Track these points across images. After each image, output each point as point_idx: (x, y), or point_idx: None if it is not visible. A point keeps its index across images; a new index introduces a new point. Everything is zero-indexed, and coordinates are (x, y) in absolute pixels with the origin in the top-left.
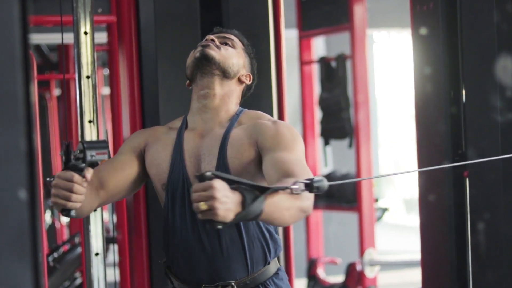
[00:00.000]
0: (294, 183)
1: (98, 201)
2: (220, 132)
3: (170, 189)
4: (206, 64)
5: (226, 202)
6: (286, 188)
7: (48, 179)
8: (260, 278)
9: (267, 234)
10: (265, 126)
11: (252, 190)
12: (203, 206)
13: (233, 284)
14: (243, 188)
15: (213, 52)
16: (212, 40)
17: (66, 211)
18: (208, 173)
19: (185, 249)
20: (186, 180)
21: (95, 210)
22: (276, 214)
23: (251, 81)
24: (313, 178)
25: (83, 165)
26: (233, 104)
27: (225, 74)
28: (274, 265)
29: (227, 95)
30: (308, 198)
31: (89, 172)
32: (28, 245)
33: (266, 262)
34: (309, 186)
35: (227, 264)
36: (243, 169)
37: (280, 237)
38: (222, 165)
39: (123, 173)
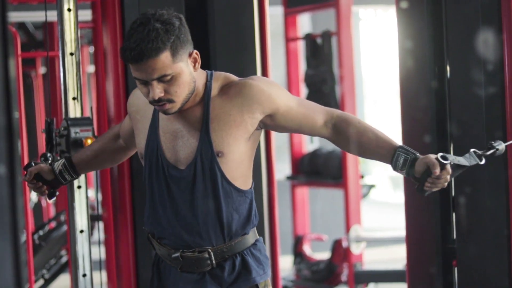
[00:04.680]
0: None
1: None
2: (199, 106)
3: (147, 160)
4: (173, 114)
5: None
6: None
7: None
8: (237, 247)
9: (247, 206)
10: (261, 93)
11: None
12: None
13: (209, 250)
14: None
15: (172, 109)
16: (160, 99)
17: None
18: (447, 161)
19: (163, 215)
20: (161, 155)
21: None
22: None
23: (196, 53)
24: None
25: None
26: (200, 80)
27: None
28: (252, 236)
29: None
30: None
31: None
32: (8, 221)
33: (243, 232)
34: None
35: (203, 231)
36: (227, 141)
37: (264, 213)
38: (205, 138)
39: (130, 132)
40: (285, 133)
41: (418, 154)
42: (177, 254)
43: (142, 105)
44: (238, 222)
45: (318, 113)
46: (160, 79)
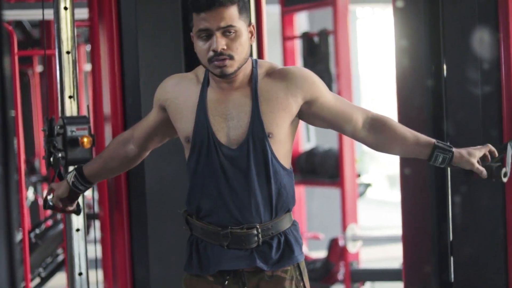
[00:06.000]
0: None
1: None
2: (247, 89)
3: (195, 143)
4: (228, 77)
5: None
6: None
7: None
8: (281, 225)
9: (291, 184)
10: (304, 79)
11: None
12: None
13: (257, 226)
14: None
15: (230, 68)
16: (221, 53)
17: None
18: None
19: (216, 193)
20: (212, 135)
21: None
22: None
23: (253, 27)
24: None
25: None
26: (248, 62)
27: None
28: (290, 217)
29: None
30: None
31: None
32: (2, 220)
33: (287, 209)
34: None
35: (254, 207)
36: (276, 122)
37: None
38: (256, 120)
39: (153, 129)
40: (317, 126)
41: (454, 150)
42: (227, 231)
43: (182, 90)
44: (285, 199)
45: (356, 111)
46: (225, 32)
